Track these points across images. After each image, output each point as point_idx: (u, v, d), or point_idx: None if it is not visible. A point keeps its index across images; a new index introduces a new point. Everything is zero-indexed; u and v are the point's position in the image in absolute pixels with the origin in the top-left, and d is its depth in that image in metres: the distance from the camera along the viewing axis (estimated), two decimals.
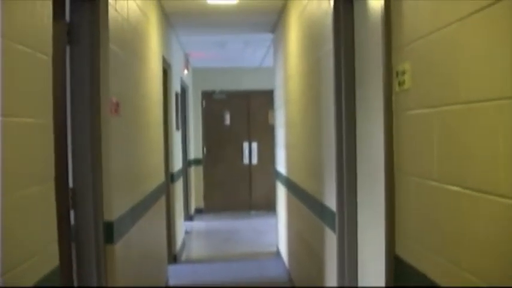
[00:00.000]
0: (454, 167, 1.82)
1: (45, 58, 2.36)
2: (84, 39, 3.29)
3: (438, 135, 1.95)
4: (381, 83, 2.50)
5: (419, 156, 2.12)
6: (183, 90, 10.00)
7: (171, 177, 7.36)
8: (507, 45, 1.49)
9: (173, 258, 7.41)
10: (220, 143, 12.09)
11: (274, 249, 8.15)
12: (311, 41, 4.72)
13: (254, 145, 12.05)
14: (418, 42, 2.11)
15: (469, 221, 1.74)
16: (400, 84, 2.27)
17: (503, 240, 1.54)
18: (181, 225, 8.57)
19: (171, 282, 6.57)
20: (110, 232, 3.48)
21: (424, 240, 2.09)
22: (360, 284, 3.46)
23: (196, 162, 11.57)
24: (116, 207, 3.61)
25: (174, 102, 8.01)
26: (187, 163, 10.72)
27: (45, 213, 2.36)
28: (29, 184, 2.16)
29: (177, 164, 8.23)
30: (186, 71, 10.28)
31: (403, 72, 2.24)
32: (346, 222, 3.50)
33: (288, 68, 6.49)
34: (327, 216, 3.96)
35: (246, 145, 11.95)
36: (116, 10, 3.75)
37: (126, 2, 4.16)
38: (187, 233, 9.14)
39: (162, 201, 6.20)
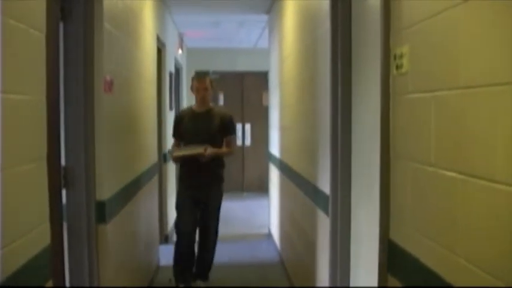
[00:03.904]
0: (451, 152, 1.81)
1: (38, 34, 2.32)
2: (78, 16, 3.25)
3: (435, 120, 1.93)
4: (378, 66, 2.48)
5: (415, 140, 2.10)
6: (177, 70, 9.94)
7: (163, 157, 7.33)
8: (507, 30, 1.47)
9: (164, 239, 7.41)
10: None
11: (266, 231, 8.16)
12: (307, 22, 4.68)
13: (247, 126, 12.02)
14: (417, 26, 2.08)
15: (464, 207, 1.73)
16: (398, 67, 2.25)
17: (498, 227, 1.53)
18: (173, 206, 8.54)
19: (162, 262, 6.57)
20: (101, 212, 3.46)
21: (419, 225, 2.08)
22: (352, 267, 3.46)
23: None
24: (108, 186, 3.58)
25: (168, 82, 7.96)
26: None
27: (36, 191, 2.34)
28: (20, 162, 2.13)
29: (170, 145, 8.18)
30: (180, 51, 10.21)
31: (401, 56, 2.22)
32: (339, 205, 3.49)
33: (283, 50, 6.45)
34: (320, 199, 3.95)
35: (239, 126, 11.92)
36: None
37: None
38: None
39: (155, 181, 6.18)
